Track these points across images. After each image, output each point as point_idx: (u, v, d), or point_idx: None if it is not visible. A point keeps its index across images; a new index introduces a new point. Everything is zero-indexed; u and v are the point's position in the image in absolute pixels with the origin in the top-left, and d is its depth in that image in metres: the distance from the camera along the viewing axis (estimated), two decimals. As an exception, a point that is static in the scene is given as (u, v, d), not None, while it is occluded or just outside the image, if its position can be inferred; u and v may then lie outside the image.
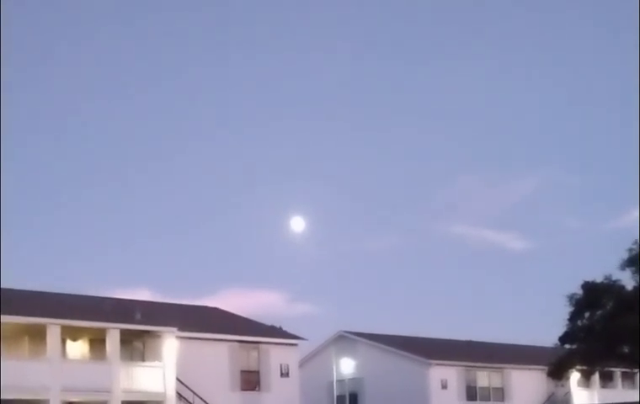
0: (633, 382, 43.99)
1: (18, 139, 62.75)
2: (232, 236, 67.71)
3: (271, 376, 34.05)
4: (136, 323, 30.18)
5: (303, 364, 39.73)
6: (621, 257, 32.49)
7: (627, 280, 32.88)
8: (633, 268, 32.45)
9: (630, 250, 32.37)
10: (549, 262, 68.60)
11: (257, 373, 33.85)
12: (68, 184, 65.44)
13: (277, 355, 34.34)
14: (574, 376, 40.58)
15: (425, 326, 70.76)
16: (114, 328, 29.18)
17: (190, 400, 31.09)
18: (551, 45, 70.13)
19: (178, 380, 30.48)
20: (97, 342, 30.10)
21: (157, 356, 30.41)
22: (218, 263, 66.07)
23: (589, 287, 33.19)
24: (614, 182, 67.94)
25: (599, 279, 33.21)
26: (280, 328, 36.75)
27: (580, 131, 73.09)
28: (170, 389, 30.02)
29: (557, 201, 71.57)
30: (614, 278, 32.99)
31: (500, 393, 42.73)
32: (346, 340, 43.50)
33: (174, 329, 30.52)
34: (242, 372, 33.47)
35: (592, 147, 72.99)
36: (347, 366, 41.82)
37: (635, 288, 32.53)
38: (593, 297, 33.16)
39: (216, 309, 39.99)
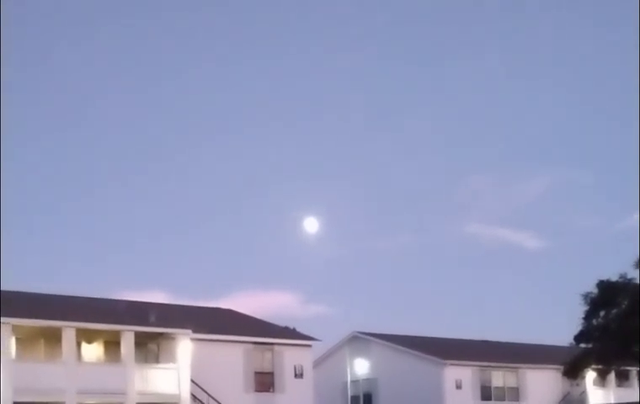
0: (650, 381, 43.72)
1: (32, 139, 63.20)
2: (245, 238, 67.91)
3: (285, 377, 34.08)
4: (150, 325, 30.30)
5: (317, 364, 39.75)
6: (635, 255, 32.35)
7: (643, 279, 32.70)
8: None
9: (645, 248, 32.19)
10: (564, 261, 68.31)
11: (271, 374, 33.88)
12: (81, 186, 65.78)
13: (291, 356, 34.36)
14: (590, 375, 40.34)
15: (439, 325, 70.70)
16: (128, 330, 29.30)
17: (205, 401, 31.17)
18: (565, 44, 69.93)
19: (192, 381, 30.56)
20: (112, 344, 30.23)
21: (171, 358, 30.51)
22: (232, 264, 66.23)
23: (604, 286, 33.03)
24: (628, 180, 67.52)
25: (614, 277, 33.05)
26: (294, 329, 36.79)
27: (594, 130, 72.82)
28: (184, 390, 30.11)
29: (572, 200, 71.31)
30: (629, 276, 32.82)
31: (515, 393, 42.56)
32: (360, 340, 43.47)
33: (189, 331, 30.60)
34: (257, 373, 33.52)
35: (606, 145, 72.73)
36: (361, 367, 41.81)
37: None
38: (608, 296, 32.99)
39: (229, 310, 40.07)
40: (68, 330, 28.20)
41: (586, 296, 33.16)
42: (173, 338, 30.52)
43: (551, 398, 43.13)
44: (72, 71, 65.80)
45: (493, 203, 71.32)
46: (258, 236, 68.80)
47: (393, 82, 69.33)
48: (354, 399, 42.66)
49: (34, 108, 63.69)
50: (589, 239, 68.82)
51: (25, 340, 29.15)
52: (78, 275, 58.65)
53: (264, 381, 33.70)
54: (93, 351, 30.90)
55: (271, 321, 37.96)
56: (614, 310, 33.20)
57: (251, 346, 33.55)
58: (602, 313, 33.46)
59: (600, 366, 36.19)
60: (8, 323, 27.04)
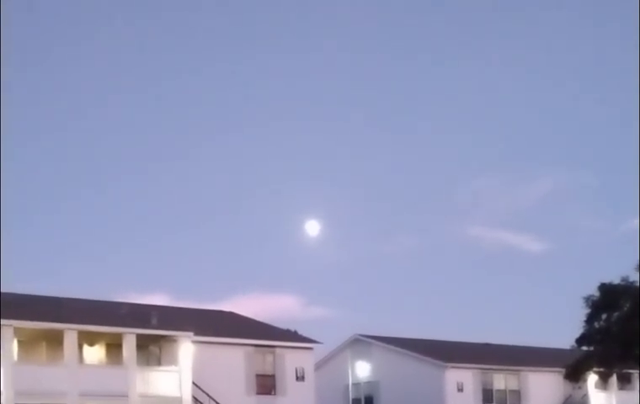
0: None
1: (32, 139, 63.21)
2: (247, 241, 67.80)
3: (287, 380, 34.09)
4: (152, 328, 30.34)
5: (319, 367, 39.73)
6: (637, 258, 32.35)
7: (644, 281, 32.69)
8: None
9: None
10: (566, 263, 68.21)
11: (272, 377, 33.90)
12: (82, 187, 65.74)
13: (292, 359, 34.37)
14: (592, 378, 40.33)
15: (441, 328, 70.53)
16: (130, 333, 29.34)
17: (206, 404, 31.22)
18: (567, 45, 69.90)
19: (194, 384, 30.57)
20: (113, 346, 30.27)
21: (173, 360, 30.53)
22: (233, 267, 66.14)
23: (605, 288, 33.00)
24: (631, 182, 67.40)
25: (615, 280, 33.02)
26: (296, 332, 36.80)
27: (597, 132, 72.72)
28: (186, 393, 30.13)
29: (574, 202, 71.21)
30: (631, 279, 32.78)
31: (517, 396, 42.53)
32: (361, 343, 43.46)
33: (190, 334, 30.62)
34: (258, 376, 33.54)
35: (609, 148, 72.57)
36: (362, 369, 41.79)
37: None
38: (610, 299, 32.96)
39: (231, 313, 40.09)
40: (70, 332, 28.24)
41: (588, 299, 33.14)
42: (175, 341, 30.54)
43: (552, 401, 43.08)
44: (72, 71, 65.91)
45: (496, 205, 71.35)
46: (259, 238, 68.86)
47: (395, 83, 69.32)
48: (356, 402, 42.65)
49: (34, 109, 63.77)
50: (591, 242, 68.77)
51: (27, 342, 29.18)
52: (80, 277, 58.65)
53: (266, 384, 33.71)
54: (94, 353, 30.93)
55: (273, 324, 38.00)
56: (616, 313, 33.18)
57: (252, 348, 33.56)
58: (604, 316, 33.44)
59: (601, 369, 36.20)
60: (9, 325, 27.08)
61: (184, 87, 66.91)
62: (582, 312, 33.29)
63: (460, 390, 40.45)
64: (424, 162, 70.10)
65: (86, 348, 30.51)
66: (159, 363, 31.18)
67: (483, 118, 71.55)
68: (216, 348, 32.19)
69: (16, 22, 57.75)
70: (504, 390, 42.25)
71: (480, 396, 41.22)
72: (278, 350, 34.21)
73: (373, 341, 43.25)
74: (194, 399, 30.69)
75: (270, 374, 33.88)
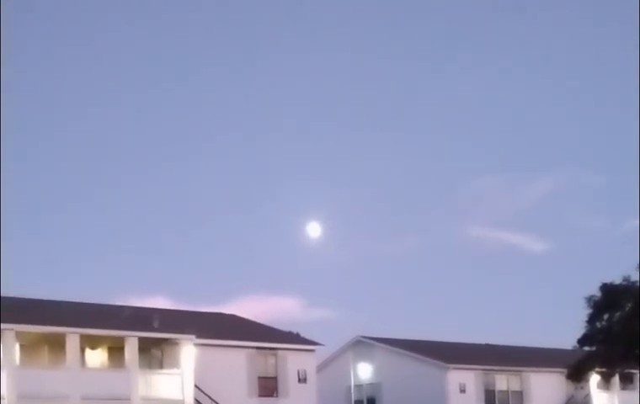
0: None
1: (32, 139, 63.19)
2: (248, 243, 67.78)
3: (289, 382, 34.09)
4: (154, 331, 30.36)
5: (321, 369, 39.72)
6: (638, 258, 32.34)
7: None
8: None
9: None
10: (567, 263, 68.14)
11: (274, 379, 33.90)
12: (84, 189, 65.80)
13: (294, 361, 34.38)
14: (594, 379, 40.31)
15: (443, 329, 70.45)
16: (132, 336, 29.37)
17: (209, 407, 31.23)
18: (567, 45, 69.91)
19: (196, 386, 30.59)
20: (115, 350, 30.30)
21: (175, 363, 30.55)
22: (235, 269, 66.13)
23: (607, 288, 32.98)
24: (633, 182, 67.32)
25: (617, 280, 33.00)
26: (297, 334, 36.79)
27: (598, 131, 72.70)
28: (188, 396, 30.14)
29: (576, 202, 71.17)
30: (632, 279, 32.77)
31: (519, 396, 42.52)
32: (363, 345, 43.46)
33: (192, 336, 30.65)
34: (260, 378, 33.54)
35: (610, 147, 72.56)
36: (364, 371, 41.79)
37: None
38: (611, 299, 32.94)
39: (233, 316, 40.10)
40: (72, 336, 28.27)
41: (590, 299, 33.11)
42: (177, 344, 30.57)
43: (555, 401, 43.06)
44: (72, 72, 65.94)
45: (496, 205, 71.33)
46: (261, 240, 68.85)
47: (395, 83, 69.29)
48: (358, 403, 42.64)
49: (35, 109, 63.80)
50: (592, 242, 68.72)
51: (29, 346, 29.20)
52: (81, 281, 58.69)
53: (268, 386, 33.71)
54: (97, 357, 30.97)
55: (274, 326, 38.01)
56: (617, 313, 33.15)
57: (254, 351, 33.57)
58: (606, 316, 33.41)
59: (603, 369, 36.14)
60: (11, 329, 27.13)
61: (184, 89, 67.04)
62: (583, 312, 33.27)
63: (462, 391, 40.45)
64: (424, 162, 70.16)
65: (88, 351, 30.54)
66: (161, 366, 31.20)
67: (484, 118, 71.61)
68: (218, 350, 32.20)
69: (16, 22, 57.83)
70: (507, 391, 42.23)
71: (482, 397, 41.20)
72: (280, 352, 34.22)
73: (375, 342, 43.25)
74: (197, 402, 30.70)
75: (272, 376, 33.88)
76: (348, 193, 68.18)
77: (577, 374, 35.37)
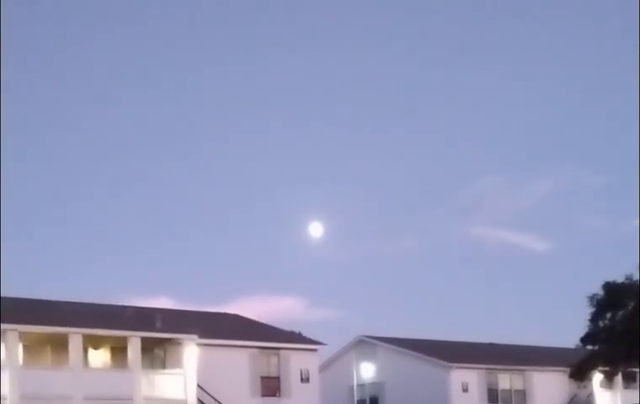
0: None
1: (32, 139, 63.16)
2: (251, 243, 67.77)
3: (291, 382, 34.09)
4: (156, 331, 30.37)
5: (323, 369, 39.74)
6: (638, 257, 32.35)
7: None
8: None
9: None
10: (569, 262, 68.08)
11: (277, 379, 33.91)
12: (85, 189, 65.72)
13: (297, 361, 34.38)
14: (597, 377, 40.27)
15: (445, 328, 70.40)
16: (135, 336, 29.38)
17: (211, 406, 31.24)
18: (567, 45, 69.82)
19: (199, 386, 30.60)
20: (118, 350, 30.31)
21: (177, 363, 30.56)
22: (237, 269, 66.06)
23: (610, 287, 33.02)
24: (633, 182, 67.25)
25: (620, 279, 33.05)
26: (300, 334, 36.80)
27: (599, 131, 72.60)
28: (191, 396, 30.16)
29: (578, 201, 71.09)
30: (635, 278, 32.80)
31: (522, 395, 42.49)
32: (366, 344, 43.47)
33: (195, 336, 30.65)
34: (263, 378, 33.55)
35: (612, 146, 72.45)
36: (367, 370, 41.79)
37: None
38: (614, 297, 32.98)
39: (235, 315, 40.11)
40: (75, 336, 28.28)
41: (592, 298, 33.16)
42: (180, 344, 30.58)
43: (558, 400, 43.04)
44: (72, 72, 65.82)
45: (498, 205, 71.24)
46: (263, 240, 68.72)
47: (396, 83, 69.19)
48: (361, 403, 42.63)
49: (35, 109, 63.75)
50: (594, 241, 68.61)
51: (32, 347, 29.23)
52: (84, 281, 58.59)
53: (270, 386, 33.72)
54: (99, 357, 30.99)
55: (277, 326, 38.00)
56: (620, 312, 33.20)
57: (257, 351, 33.58)
58: (608, 315, 33.46)
59: (606, 368, 36.13)
60: (14, 330, 27.15)
61: (185, 90, 66.97)
62: (586, 311, 33.35)
63: (465, 390, 40.44)
64: (425, 162, 70.12)
65: (91, 351, 30.57)
66: (164, 366, 31.20)
67: (485, 118, 71.50)
68: (221, 350, 32.21)
69: (16, 22, 57.80)
70: (509, 390, 42.21)
71: (485, 396, 41.18)
72: (282, 352, 34.22)
73: (377, 342, 43.26)
74: (199, 401, 30.71)
75: (275, 376, 33.88)
76: (349, 193, 68.26)
77: (580, 373, 35.39)
